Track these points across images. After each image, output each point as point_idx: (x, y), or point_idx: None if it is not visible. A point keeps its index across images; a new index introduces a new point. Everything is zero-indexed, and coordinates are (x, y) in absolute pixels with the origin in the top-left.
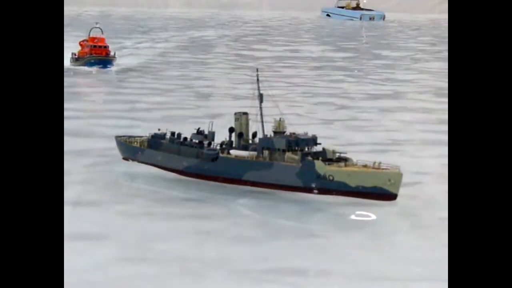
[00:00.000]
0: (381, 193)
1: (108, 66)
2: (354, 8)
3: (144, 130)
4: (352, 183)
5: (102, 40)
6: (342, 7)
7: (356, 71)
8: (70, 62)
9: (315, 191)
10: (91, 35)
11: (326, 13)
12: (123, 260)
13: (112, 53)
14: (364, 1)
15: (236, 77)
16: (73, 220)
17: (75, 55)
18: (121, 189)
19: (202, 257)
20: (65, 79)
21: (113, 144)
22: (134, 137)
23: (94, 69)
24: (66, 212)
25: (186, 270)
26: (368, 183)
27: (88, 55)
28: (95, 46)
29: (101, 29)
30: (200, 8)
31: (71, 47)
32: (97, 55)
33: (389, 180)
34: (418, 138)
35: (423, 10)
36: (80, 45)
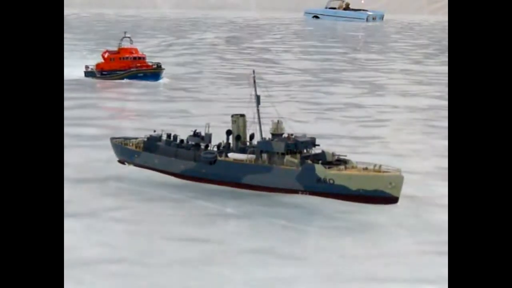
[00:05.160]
0: (382, 196)
1: (159, 79)
2: (344, 9)
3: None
4: (353, 186)
5: (136, 50)
6: (334, 8)
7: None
8: (87, 76)
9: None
10: (123, 46)
11: (313, 15)
12: None
13: (159, 64)
14: (362, 2)
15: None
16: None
17: (88, 67)
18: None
19: None
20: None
21: None
22: (130, 138)
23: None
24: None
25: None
26: (369, 186)
27: (134, 68)
28: (135, 58)
29: (130, 38)
30: (188, 9)
31: (73, 57)
32: (146, 69)
33: (390, 183)
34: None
35: (411, 11)
36: (104, 57)
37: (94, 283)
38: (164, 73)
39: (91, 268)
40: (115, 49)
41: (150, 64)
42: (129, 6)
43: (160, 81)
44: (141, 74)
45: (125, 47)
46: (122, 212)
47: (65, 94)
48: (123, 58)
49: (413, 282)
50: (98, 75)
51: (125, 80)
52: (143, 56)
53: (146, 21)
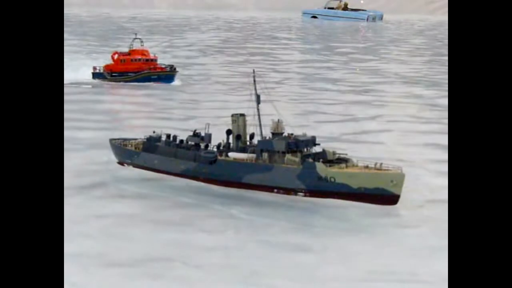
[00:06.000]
0: (383, 194)
1: (173, 81)
2: (343, 9)
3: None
4: (354, 184)
5: (148, 52)
6: (332, 8)
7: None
8: (95, 78)
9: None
10: (133, 47)
11: (311, 15)
12: None
13: (173, 67)
14: (362, 2)
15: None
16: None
17: (96, 68)
18: None
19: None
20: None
21: None
22: (129, 139)
23: (155, 84)
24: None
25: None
26: (370, 184)
27: (146, 70)
28: (147, 60)
29: (141, 39)
30: (186, 9)
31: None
32: (161, 71)
33: (392, 181)
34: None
35: (410, 10)
36: (113, 58)
37: (93, 285)
38: (177, 75)
39: (90, 269)
40: (126, 50)
41: (163, 66)
42: (127, 6)
43: (173, 83)
44: (155, 76)
45: (136, 48)
46: (122, 213)
47: (73, 96)
48: (135, 59)
49: (413, 282)
50: (108, 77)
51: (138, 82)
52: (155, 58)
53: (145, 21)
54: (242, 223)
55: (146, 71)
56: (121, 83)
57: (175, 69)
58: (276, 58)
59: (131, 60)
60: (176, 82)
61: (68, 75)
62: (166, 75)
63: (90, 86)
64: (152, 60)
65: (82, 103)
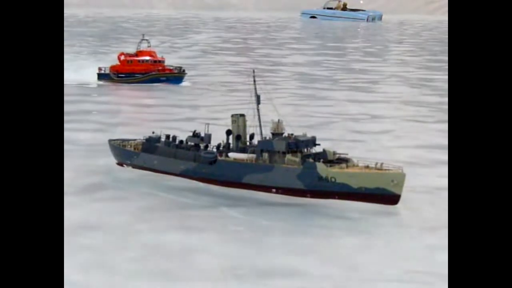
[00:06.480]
0: (384, 194)
1: (181, 82)
2: (342, 9)
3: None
4: (355, 184)
5: (155, 53)
6: (331, 8)
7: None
8: (100, 78)
9: (308, 194)
10: (141, 49)
11: (310, 15)
12: None
13: (182, 69)
14: (361, 2)
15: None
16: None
17: (101, 69)
18: None
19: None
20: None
21: None
22: (128, 140)
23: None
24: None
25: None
26: (371, 184)
27: (154, 72)
28: (154, 62)
29: (148, 41)
30: (185, 9)
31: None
32: (169, 73)
33: (392, 181)
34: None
35: (409, 10)
36: (120, 59)
37: (93, 285)
38: (186, 77)
39: (90, 269)
40: (128, 50)
41: (171, 68)
42: (127, 5)
43: (182, 84)
44: (164, 78)
45: (144, 49)
46: (122, 213)
47: (74, 97)
48: (142, 61)
49: (413, 282)
50: (114, 78)
51: (145, 83)
52: (163, 59)
53: (144, 22)
54: (242, 224)
55: (154, 73)
56: (126, 84)
57: (184, 71)
58: (276, 58)
59: (138, 61)
60: (186, 83)
61: (73, 76)
62: (175, 77)
63: (95, 86)
64: (159, 61)
65: (83, 103)
